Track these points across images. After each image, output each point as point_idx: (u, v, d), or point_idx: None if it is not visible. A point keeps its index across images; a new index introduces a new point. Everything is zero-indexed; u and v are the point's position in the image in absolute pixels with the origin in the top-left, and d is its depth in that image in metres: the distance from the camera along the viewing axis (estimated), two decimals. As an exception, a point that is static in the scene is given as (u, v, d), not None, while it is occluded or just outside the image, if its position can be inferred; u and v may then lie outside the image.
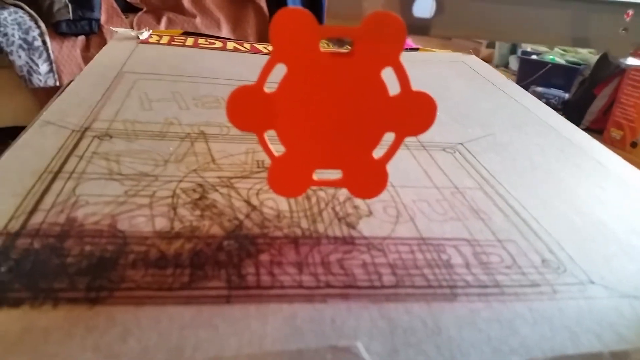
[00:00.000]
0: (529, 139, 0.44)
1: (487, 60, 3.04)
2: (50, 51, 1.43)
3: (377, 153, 0.28)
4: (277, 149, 0.27)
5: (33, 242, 0.25)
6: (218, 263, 0.25)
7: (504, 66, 2.93)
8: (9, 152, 0.32)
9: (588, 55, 2.53)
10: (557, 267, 0.28)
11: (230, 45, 0.59)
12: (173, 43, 0.57)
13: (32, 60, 1.41)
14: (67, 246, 0.25)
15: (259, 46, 0.60)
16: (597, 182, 0.38)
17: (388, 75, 0.26)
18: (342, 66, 0.26)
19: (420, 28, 0.28)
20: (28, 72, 1.41)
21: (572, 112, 2.01)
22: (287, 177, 0.28)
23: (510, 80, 0.59)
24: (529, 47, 2.73)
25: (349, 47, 0.26)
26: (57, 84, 1.46)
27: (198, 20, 1.69)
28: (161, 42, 0.56)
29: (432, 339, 0.22)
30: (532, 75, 2.38)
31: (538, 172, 0.39)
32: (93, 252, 0.25)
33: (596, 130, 2.19)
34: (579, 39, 0.29)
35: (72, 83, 0.43)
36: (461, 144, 0.42)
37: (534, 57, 2.62)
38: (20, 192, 0.29)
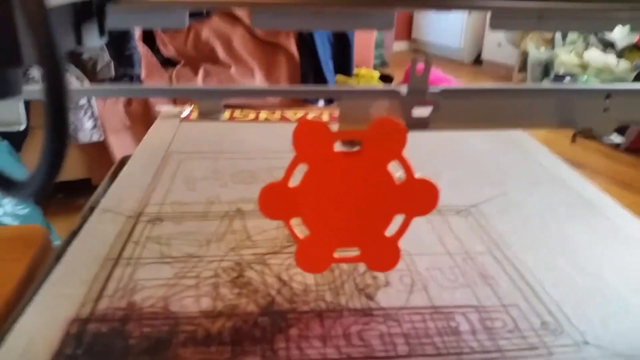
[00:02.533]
0: (541, 197, 0.47)
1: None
2: (94, 109, 1.54)
3: (391, 231, 0.32)
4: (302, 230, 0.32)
5: (101, 326, 0.30)
6: (254, 339, 0.30)
7: (537, 90, 2.92)
8: (76, 242, 0.38)
9: (624, 74, 2.51)
10: (555, 329, 0.31)
11: (262, 116, 0.65)
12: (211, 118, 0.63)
13: (78, 119, 1.52)
14: (129, 329, 0.30)
15: (288, 114, 0.66)
16: (604, 239, 0.41)
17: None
18: (354, 162, 0.31)
19: (420, 124, 0.31)
20: (74, 130, 1.51)
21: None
22: (312, 256, 0.33)
23: (525, 134, 0.62)
24: (561, 70, 2.73)
25: (359, 147, 0.31)
26: (102, 139, 1.56)
27: (233, 70, 1.79)
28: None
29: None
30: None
31: (547, 232, 0.42)
32: (151, 334, 0.30)
33: (635, 150, 2.16)
34: (566, 120, 0.32)
35: (125, 167, 0.49)
36: (475, 205, 0.45)
37: (566, 79, 2.61)
38: (87, 279, 0.34)
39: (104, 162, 1.50)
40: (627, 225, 0.43)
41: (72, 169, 1.60)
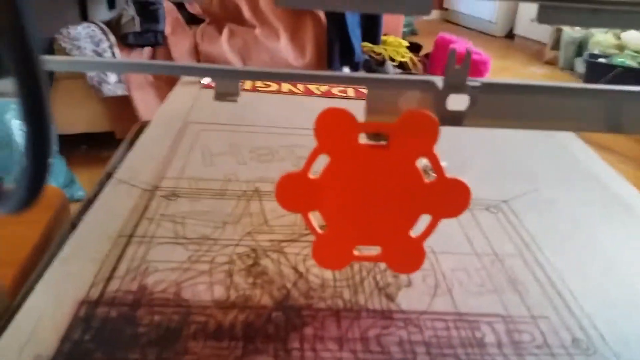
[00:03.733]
0: (574, 195, 0.45)
1: (553, 62, 2.94)
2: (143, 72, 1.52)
3: (416, 231, 0.30)
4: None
5: (110, 310, 0.29)
6: (267, 336, 0.28)
7: (569, 69, 2.83)
8: (88, 216, 0.37)
9: (663, 57, 2.41)
10: (587, 347, 0.29)
11: (285, 87, 0.62)
12: (233, 87, 0.60)
13: (103, 71, 1.50)
14: (139, 315, 0.29)
15: (312, 87, 0.63)
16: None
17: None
18: (380, 157, 0.28)
19: (454, 119, 0.29)
20: (98, 82, 1.50)
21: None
22: (330, 252, 0.31)
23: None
24: (596, 50, 2.62)
25: (385, 140, 0.29)
26: (126, 93, 1.55)
27: (258, 30, 1.74)
28: (222, 85, 0.60)
29: None
30: (599, 79, 2.29)
31: (580, 235, 0.39)
32: (161, 323, 0.29)
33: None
34: (613, 125, 0.29)
35: (142, 136, 0.48)
36: (505, 201, 0.43)
37: (602, 60, 2.51)
38: (98, 258, 0.33)
39: (127, 117, 1.49)
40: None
41: (96, 122, 1.60)
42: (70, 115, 1.54)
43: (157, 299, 0.30)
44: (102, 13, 0.25)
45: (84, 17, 0.24)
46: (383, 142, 0.29)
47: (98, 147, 1.56)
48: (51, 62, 0.25)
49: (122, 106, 1.55)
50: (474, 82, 0.30)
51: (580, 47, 2.77)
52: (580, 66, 2.72)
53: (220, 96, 0.30)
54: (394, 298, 0.32)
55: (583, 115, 0.31)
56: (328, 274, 0.34)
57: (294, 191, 0.29)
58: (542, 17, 0.27)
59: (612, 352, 0.29)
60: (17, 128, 1.14)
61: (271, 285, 0.32)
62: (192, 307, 0.30)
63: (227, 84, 0.31)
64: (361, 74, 0.29)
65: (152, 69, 0.29)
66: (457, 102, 0.29)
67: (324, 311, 0.31)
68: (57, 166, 1.27)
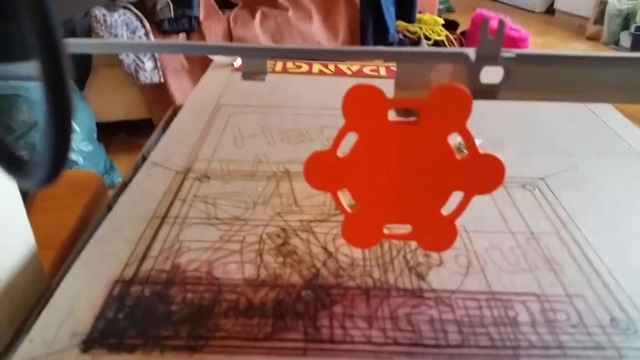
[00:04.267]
0: (614, 171, 0.43)
1: (595, 37, 2.82)
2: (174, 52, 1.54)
3: (448, 208, 0.30)
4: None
5: (144, 289, 0.30)
6: (297, 314, 0.29)
7: (614, 44, 2.71)
8: (123, 198, 0.38)
9: None
10: (627, 327, 0.28)
11: (315, 68, 0.62)
12: (264, 69, 0.60)
13: (139, 58, 1.53)
14: (172, 293, 0.30)
15: (343, 67, 0.62)
16: (687, 225, 0.37)
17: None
18: (410, 133, 0.28)
19: (488, 93, 0.28)
20: (135, 69, 1.53)
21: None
22: (360, 230, 0.31)
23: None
24: (644, 22, 2.49)
25: (415, 117, 0.28)
26: (162, 80, 1.58)
27: (291, 13, 1.73)
28: (253, 67, 0.60)
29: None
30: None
31: (619, 212, 0.38)
32: (193, 300, 0.29)
33: None
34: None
35: (175, 120, 0.48)
36: (542, 178, 0.42)
37: (650, 33, 2.39)
38: (133, 239, 0.34)
39: (163, 103, 1.52)
40: None
41: (133, 109, 1.63)
42: (108, 103, 1.58)
43: (189, 277, 0.31)
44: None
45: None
46: (413, 118, 0.28)
47: (136, 134, 1.59)
48: (80, 44, 0.25)
49: (159, 93, 1.58)
50: (507, 53, 0.29)
51: (627, 20, 2.64)
52: (626, 40, 2.60)
53: (248, 75, 0.30)
54: (425, 277, 0.32)
55: (621, 86, 0.29)
56: (358, 253, 0.33)
57: (323, 170, 0.29)
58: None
59: (653, 332, 0.28)
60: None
61: (301, 265, 0.32)
62: (223, 286, 0.30)
63: (255, 63, 0.31)
64: (390, 47, 0.28)
65: (180, 49, 0.29)
66: (491, 74, 0.28)
67: (353, 290, 0.30)
68: (97, 153, 1.31)
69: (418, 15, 1.88)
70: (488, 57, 0.27)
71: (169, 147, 0.44)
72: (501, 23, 0.27)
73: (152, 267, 0.31)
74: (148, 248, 0.33)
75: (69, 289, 0.30)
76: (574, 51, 0.29)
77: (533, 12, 3.39)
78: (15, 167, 0.15)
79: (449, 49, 0.29)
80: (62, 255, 0.42)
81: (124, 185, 0.40)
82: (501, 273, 0.32)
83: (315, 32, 1.72)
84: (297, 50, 0.30)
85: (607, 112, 0.53)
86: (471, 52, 0.29)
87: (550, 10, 3.37)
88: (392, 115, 0.28)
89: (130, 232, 0.34)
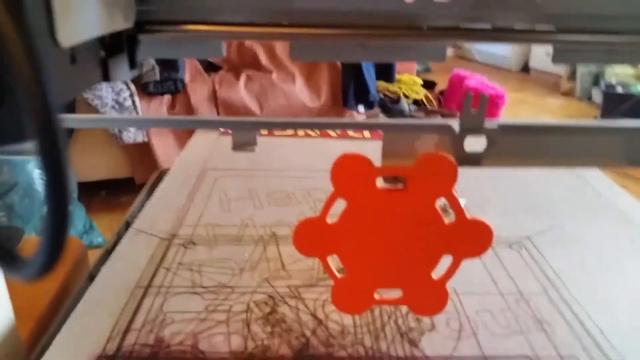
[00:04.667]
0: (600, 230, 0.43)
1: (569, 93, 2.93)
2: (139, 110, 1.56)
3: (438, 272, 0.30)
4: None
5: (127, 364, 0.29)
6: (287, 388, 0.28)
7: (587, 99, 2.81)
8: (106, 267, 0.37)
9: (682, 85, 2.38)
10: (623, 390, 0.28)
11: (301, 131, 0.63)
12: (249, 132, 0.61)
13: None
14: (155, 368, 0.29)
15: (328, 129, 0.63)
16: (674, 281, 0.37)
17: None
18: (398, 200, 0.28)
19: (473, 160, 0.29)
20: (119, 130, 1.54)
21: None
22: (350, 296, 0.30)
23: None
24: (613, 79, 2.60)
25: (402, 184, 0.28)
26: (146, 140, 1.58)
27: (274, 75, 1.78)
28: (238, 130, 0.61)
29: None
30: (617, 109, 2.27)
31: (607, 270, 0.38)
32: (177, 375, 0.28)
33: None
34: (634, 159, 0.28)
35: (161, 185, 0.48)
36: (528, 237, 0.42)
37: (619, 89, 2.49)
38: (115, 311, 0.33)
39: (147, 163, 1.52)
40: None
41: (115, 168, 1.62)
42: (90, 162, 1.57)
43: (174, 351, 0.30)
44: (124, 73, 0.26)
45: (106, 78, 0.25)
46: (400, 185, 0.29)
47: (117, 193, 1.57)
48: (72, 120, 0.25)
49: (142, 152, 1.58)
50: (491, 124, 0.30)
51: (597, 77, 2.76)
52: (597, 96, 2.71)
53: (238, 147, 0.30)
54: (417, 343, 0.31)
55: (602, 152, 0.30)
56: (348, 319, 0.33)
57: (312, 236, 0.29)
58: (557, 57, 0.27)
59: (650, 395, 0.27)
60: (38, 178, 1.16)
61: (290, 334, 0.31)
62: None
63: (244, 135, 0.31)
64: (377, 120, 0.29)
65: (171, 124, 0.29)
66: (475, 143, 0.29)
67: None
68: (77, 213, 1.29)
69: (397, 76, 1.94)
70: (471, 128, 0.28)
71: (154, 213, 0.44)
72: (483, 97, 0.28)
73: (135, 341, 0.30)
74: (131, 321, 0.32)
75: (49, 365, 0.28)
76: (552, 111, 0.30)
77: (509, 70, 3.53)
78: (6, 261, 0.14)
79: (433, 121, 0.30)
80: (42, 326, 0.41)
81: (107, 253, 0.39)
82: (493, 336, 0.32)
83: (299, 92, 1.76)
84: (287, 123, 0.31)
85: (588, 171, 0.55)
86: (455, 123, 0.30)
87: (525, 69, 3.50)
88: (380, 183, 0.28)
89: (112, 303, 0.33)
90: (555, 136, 0.29)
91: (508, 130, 0.28)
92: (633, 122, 0.30)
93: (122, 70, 0.24)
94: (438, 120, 0.29)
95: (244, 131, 0.29)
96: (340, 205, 0.28)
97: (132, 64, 0.25)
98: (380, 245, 0.29)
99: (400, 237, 0.29)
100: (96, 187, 1.61)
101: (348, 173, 0.28)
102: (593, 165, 0.30)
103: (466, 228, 0.28)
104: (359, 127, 0.30)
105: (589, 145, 0.29)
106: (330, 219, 0.29)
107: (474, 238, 0.29)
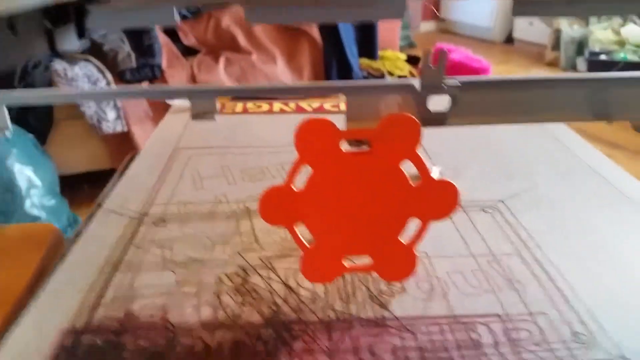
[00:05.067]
0: (574, 191, 0.43)
1: (554, 64, 2.93)
2: (117, 99, 1.54)
3: (406, 236, 0.30)
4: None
5: (95, 338, 0.29)
6: (256, 353, 0.28)
7: (571, 68, 2.81)
8: (76, 246, 0.37)
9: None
10: (587, 340, 0.28)
11: (276, 107, 0.62)
12: (224, 111, 0.61)
13: (101, 109, 1.52)
14: (124, 341, 0.28)
15: (304, 104, 0.63)
16: (644, 236, 0.37)
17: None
18: (363, 163, 0.28)
19: (437, 120, 0.28)
20: (98, 120, 1.52)
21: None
22: (319, 265, 0.30)
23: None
24: (596, 47, 2.60)
25: (367, 146, 0.28)
26: (125, 129, 1.57)
27: (254, 56, 1.76)
28: (213, 109, 0.60)
29: None
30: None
31: (581, 230, 0.38)
32: (146, 347, 0.28)
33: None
34: (600, 112, 0.28)
35: (132, 165, 0.48)
36: (502, 201, 0.42)
37: (602, 57, 2.49)
38: (85, 287, 0.32)
39: (128, 153, 1.50)
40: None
41: (96, 160, 1.60)
42: (72, 156, 1.56)
43: (142, 324, 0.30)
44: (72, 43, 0.25)
45: (52, 47, 0.24)
46: (365, 148, 0.28)
47: (101, 186, 1.56)
48: (39, 96, 0.25)
49: (123, 142, 1.56)
50: (452, 81, 0.30)
51: (581, 45, 2.76)
52: (582, 65, 2.71)
53: (197, 116, 0.30)
54: (387, 306, 0.31)
55: (567, 106, 0.30)
56: (320, 286, 0.33)
57: (278, 204, 0.29)
58: (517, 10, 0.26)
59: (613, 343, 0.28)
60: (18, 172, 1.15)
61: (260, 303, 0.31)
62: (179, 330, 0.29)
63: (203, 103, 0.31)
64: (338, 81, 0.28)
65: (123, 96, 0.29)
66: (439, 102, 0.29)
67: (314, 324, 0.30)
68: (60, 207, 1.28)
69: (380, 52, 1.93)
70: (432, 86, 0.28)
71: (125, 193, 0.43)
72: (443, 52, 0.28)
73: (104, 316, 0.30)
74: (100, 296, 0.32)
75: (17, 341, 0.28)
76: (517, 75, 0.30)
77: (493, 42, 3.52)
78: None
79: (395, 81, 0.30)
80: (17, 310, 0.41)
81: (78, 234, 0.39)
82: (464, 296, 0.32)
83: (280, 74, 1.74)
84: (247, 89, 0.30)
85: (563, 133, 0.55)
86: (416, 82, 0.30)
87: (509, 40, 3.49)
88: (344, 147, 0.28)
89: (82, 281, 0.33)
90: (518, 91, 0.29)
91: (470, 87, 0.28)
92: (597, 75, 0.30)
93: (69, 40, 0.23)
94: (400, 79, 0.28)
95: (203, 99, 0.28)
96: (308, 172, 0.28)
97: (81, 33, 0.25)
98: (347, 211, 0.29)
99: (366, 202, 0.29)
100: (79, 180, 1.59)
101: (312, 137, 0.27)
102: (559, 120, 0.30)
103: (432, 189, 0.28)
104: (320, 90, 0.29)
105: (554, 99, 0.29)
106: (296, 187, 0.28)
107: (440, 199, 0.29)
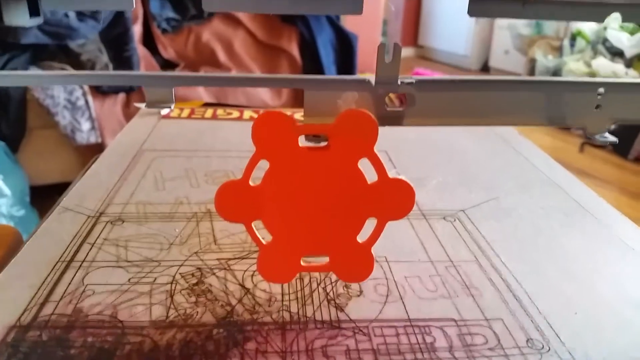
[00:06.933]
0: (534, 202, 0.44)
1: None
2: (92, 110, 1.52)
3: (364, 236, 0.29)
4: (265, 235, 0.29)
5: (41, 334, 0.28)
6: (206, 353, 0.27)
7: (544, 98, 2.89)
8: (29, 243, 0.35)
9: None
10: (541, 346, 0.28)
11: (246, 114, 0.62)
12: (193, 116, 0.60)
13: (76, 120, 1.50)
14: (71, 338, 0.27)
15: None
16: (601, 248, 0.38)
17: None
18: (320, 159, 0.28)
19: (394, 119, 0.29)
20: (72, 130, 1.50)
21: (619, 142, 1.95)
22: (276, 264, 0.30)
23: (521, 136, 0.59)
24: (569, 78, 2.69)
25: (325, 142, 0.28)
26: (99, 140, 1.55)
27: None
28: (182, 115, 0.60)
29: None
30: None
31: (539, 240, 0.39)
32: (94, 344, 0.27)
33: (644, 160, 2.11)
34: (555, 117, 0.29)
35: (94, 165, 0.47)
36: (463, 210, 0.42)
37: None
38: (36, 284, 0.31)
39: (100, 165, 1.48)
40: (627, 234, 0.40)
41: (69, 171, 1.57)
42: (43, 165, 1.53)
43: (91, 321, 0.29)
44: (22, 18, 0.25)
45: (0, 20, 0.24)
46: (324, 143, 0.28)
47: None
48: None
49: (96, 154, 1.53)
50: (407, 78, 0.30)
51: (555, 75, 2.84)
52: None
53: (152, 104, 0.30)
54: (344, 308, 0.31)
55: (523, 109, 0.31)
56: (276, 288, 0.32)
57: (235, 200, 0.29)
58: (473, 10, 0.27)
59: (566, 349, 0.28)
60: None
61: (214, 303, 0.31)
62: (128, 328, 0.28)
63: (160, 92, 0.30)
64: (295, 75, 0.29)
65: (77, 81, 0.28)
66: (395, 101, 0.29)
67: (268, 325, 0.29)
68: (29, 218, 1.25)
69: (359, 75, 1.95)
70: (387, 82, 0.28)
71: (83, 192, 0.42)
72: (397, 46, 0.28)
73: (52, 312, 0.29)
74: (50, 293, 0.31)
75: (-47, 339, 0.27)
76: (473, 76, 0.30)
77: (469, 70, 3.60)
78: None
79: (352, 77, 0.30)
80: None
81: (34, 232, 0.38)
82: (420, 300, 0.32)
83: (259, 90, 1.75)
84: (205, 77, 0.30)
85: (522, 144, 0.56)
86: (372, 78, 0.30)
87: (485, 68, 3.58)
88: (302, 142, 0.28)
89: (32, 277, 0.32)
90: (475, 91, 0.29)
91: (426, 86, 0.28)
92: (554, 79, 0.30)
93: (19, 15, 0.23)
94: (357, 76, 0.29)
95: (159, 87, 0.28)
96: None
97: (34, 10, 0.24)
98: (305, 208, 0.29)
99: (324, 199, 0.29)
100: (50, 191, 1.55)
101: (269, 131, 0.27)
102: (514, 123, 0.31)
103: (388, 188, 0.28)
104: (277, 83, 0.29)
105: (509, 102, 0.29)
106: (253, 182, 0.28)
107: (396, 198, 0.29)
